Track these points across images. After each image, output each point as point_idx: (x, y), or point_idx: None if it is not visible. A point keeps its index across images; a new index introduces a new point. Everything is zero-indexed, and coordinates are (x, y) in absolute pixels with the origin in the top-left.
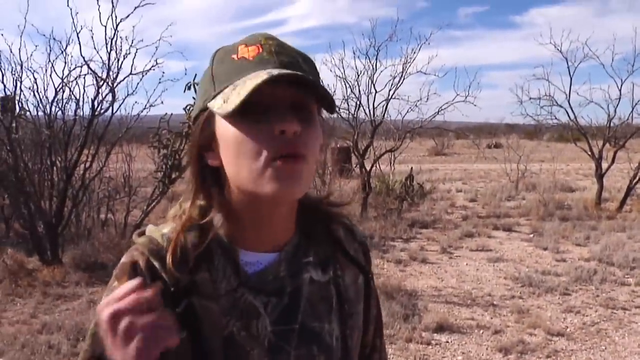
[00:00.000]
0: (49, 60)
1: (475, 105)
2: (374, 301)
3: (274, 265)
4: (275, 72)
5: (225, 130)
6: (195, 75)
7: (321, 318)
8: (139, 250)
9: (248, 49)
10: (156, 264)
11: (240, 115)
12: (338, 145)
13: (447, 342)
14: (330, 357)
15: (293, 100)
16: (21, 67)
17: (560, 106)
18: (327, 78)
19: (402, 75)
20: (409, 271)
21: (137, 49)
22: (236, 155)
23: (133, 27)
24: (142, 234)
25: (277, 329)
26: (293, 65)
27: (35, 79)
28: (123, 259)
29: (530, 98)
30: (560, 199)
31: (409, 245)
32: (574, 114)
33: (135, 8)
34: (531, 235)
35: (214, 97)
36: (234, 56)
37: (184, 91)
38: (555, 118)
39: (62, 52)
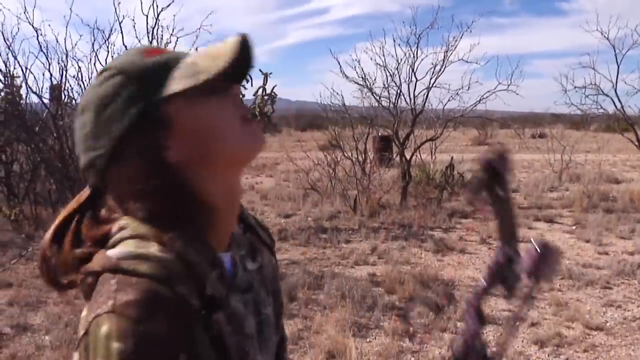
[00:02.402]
0: (93, 50)
1: (517, 94)
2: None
3: (239, 262)
4: (232, 41)
5: (197, 111)
6: None
7: (265, 302)
8: (155, 280)
9: (148, 51)
10: (181, 289)
11: (209, 92)
12: (379, 134)
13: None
14: (276, 336)
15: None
16: (66, 57)
17: (607, 95)
18: (368, 66)
19: (443, 64)
20: (447, 261)
21: (177, 38)
22: (217, 129)
23: (174, 16)
24: (129, 258)
25: (256, 322)
26: None
27: (79, 67)
28: (130, 296)
29: (575, 87)
30: (605, 190)
31: (447, 235)
32: (620, 103)
33: None
34: (573, 227)
35: (160, 88)
36: (145, 57)
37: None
38: (601, 108)
39: (105, 42)
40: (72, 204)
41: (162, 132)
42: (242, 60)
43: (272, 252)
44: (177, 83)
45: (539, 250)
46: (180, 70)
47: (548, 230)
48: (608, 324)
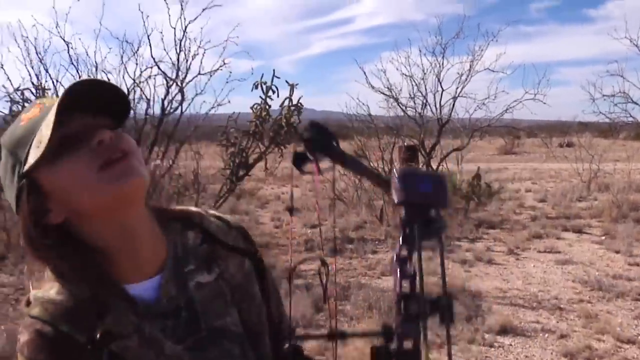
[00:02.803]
0: (122, 62)
1: (544, 103)
2: (269, 275)
3: (163, 288)
4: (60, 97)
5: (53, 175)
6: (263, 74)
7: (221, 314)
8: (39, 322)
9: (29, 112)
10: (64, 327)
11: (60, 154)
12: (404, 144)
13: (511, 345)
14: (242, 343)
15: (97, 123)
16: (96, 69)
17: (636, 103)
18: (394, 76)
19: (469, 73)
20: (474, 272)
21: (205, 50)
22: (72, 187)
23: (201, 28)
24: (29, 303)
25: (187, 344)
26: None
27: (109, 80)
28: (24, 337)
29: (604, 95)
30: (635, 200)
31: (474, 246)
32: None
33: (204, 10)
34: (603, 238)
35: (25, 160)
36: (22, 123)
37: (251, 90)
38: (631, 116)
39: (134, 54)
40: None
41: (40, 198)
42: (77, 116)
43: (249, 255)
44: (32, 154)
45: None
46: (36, 138)
47: (577, 240)
48: None
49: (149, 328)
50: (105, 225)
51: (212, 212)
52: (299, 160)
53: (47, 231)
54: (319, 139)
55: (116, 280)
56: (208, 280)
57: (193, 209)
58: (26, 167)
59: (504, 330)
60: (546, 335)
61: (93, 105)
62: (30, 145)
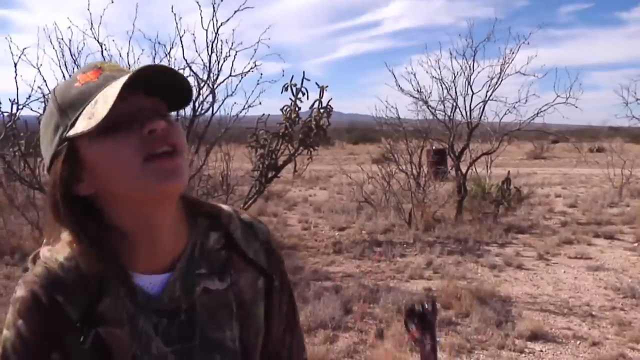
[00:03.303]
0: (154, 63)
1: (576, 107)
2: (286, 298)
3: (169, 286)
4: (125, 77)
5: (96, 151)
6: (293, 76)
7: (222, 326)
8: (37, 283)
9: (87, 74)
10: (59, 297)
11: (109, 130)
12: (433, 147)
13: (541, 351)
14: None
15: (153, 107)
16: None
17: None
18: (424, 79)
19: (500, 77)
20: (504, 277)
21: (236, 52)
22: (113, 168)
23: (233, 30)
24: (35, 259)
25: (176, 348)
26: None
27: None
28: (20, 292)
29: (637, 99)
30: None
31: (504, 251)
32: None
33: (235, 12)
34: (635, 244)
35: (72, 125)
36: (77, 84)
37: (281, 92)
38: None
39: (166, 55)
40: None
41: (75, 166)
42: (139, 98)
43: (264, 274)
44: (79, 123)
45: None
46: (87, 108)
47: (609, 247)
48: None
49: (142, 321)
50: (130, 212)
51: (245, 215)
52: (410, 322)
53: (73, 198)
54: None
55: (124, 265)
56: (217, 287)
57: (225, 207)
58: (71, 132)
59: (535, 336)
60: (578, 342)
61: (156, 89)
62: (81, 112)
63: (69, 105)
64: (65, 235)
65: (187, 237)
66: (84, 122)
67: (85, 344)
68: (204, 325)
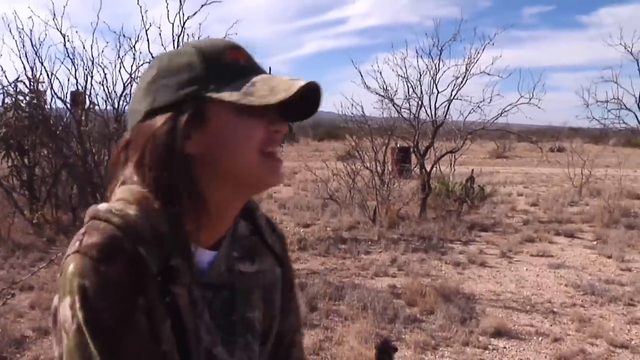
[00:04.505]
0: (119, 56)
1: (539, 108)
2: (294, 294)
3: (217, 263)
4: (303, 82)
5: (229, 122)
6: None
7: (253, 307)
8: (117, 230)
9: (237, 51)
10: (140, 248)
11: (244, 112)
12: (398, 145)
13: (505, 347)
14: (258, 344)
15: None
16: (92, 63)
17: (630, 110)
18: (389, 77)
19: (465, 76)
20: (467, 274)
21: None
22: (238, 143)
23: (199, 24)
24: (95, 215)
25: (220, 322)
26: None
27: (105, 74)
28: (94, 239)
29: (597, 101)
30: (626, 206)
31: (467, 248)
32: None
33: (202, 6)
34: (594, 243)
35: (217, 90)
36: (227, 56)
37: None
38: (624, 122)
39: (131, 49)
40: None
41: (193, 124)
42: (298, 104)
43: (281, 261)
44: (230, 94)
45: None
46: (242, 82)
47: (569, 245)
48: (633, 342)
49: (196, 290)
50: (225, 187)
51: (266, 214)
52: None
53: (172, 151)
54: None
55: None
56: (249, 270)
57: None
58: (217, 95)
59: (498, 333)
60: (540, 338)
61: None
62: (228, 83)
63: (217, 71)
64: (130, 193)
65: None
66: (236, 96)
67: (166, 298)
68: (241, 304)
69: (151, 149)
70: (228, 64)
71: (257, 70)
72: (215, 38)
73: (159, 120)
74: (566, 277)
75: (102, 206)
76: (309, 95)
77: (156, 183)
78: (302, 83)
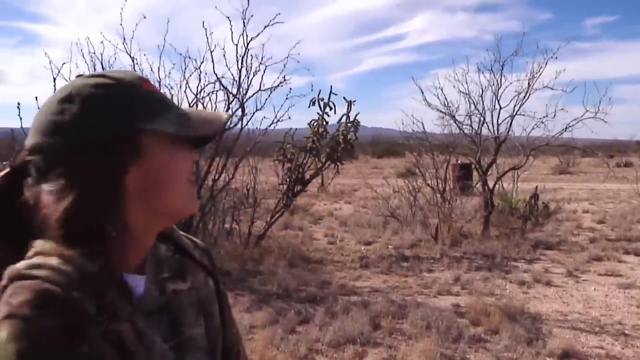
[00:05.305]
0: (184, 77)
1: (605, 122)
2: (227, 305)
3: (149, 286)
4: (226, 115)
5: (165, 153)
6: (320, 91)
7: (193, 324)
8: (45, 282)
9: (149, 83)
10: (74, 293)
11: (176, 143)
12: (459, 162)
13: None
14: (209, 358)
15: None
16: (159, 84)
17: None
18: (450, 93)
19: (527, 91)
20: (533, 293)
21: (266, 66)
22: (172, 177)
23: (262, 45)
24: (28, 267)
25: (171, 344)
26: None
27: (171, 95)
28: (24, 296)
29: None
30: None
31: (532, 267)
32: None
33: (265, 27)
34: None
35: (148, 120)
36: (143, 88)
37: (309, 106)
38: None
39: (196, 70)
40: None
41: (129, 157)
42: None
43: (213, 274)
44: (162, 123)
45: None
46: (170, 114)
47: (639, 264)
48: None
49: (140, 320)
50: (151, 217)
51: (178, 231)
52: None
53: (110, 187)
54: None
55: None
56: (183, 288)
57: None
58: (153, 126)
59: (566, 355)
60: None
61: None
62: (157, 113)
63: (143, 101)
64: (48, 245)
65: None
66: (170, 126)
67: (108, 338)
68: (183, 323)
69: (85, 187)
70: (147, 96)
71: (171, 102)
72: (117, 70)
73: (92, 159)
74: (637, 298)
75: (20, 265)
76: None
77: (81, 225)
78: (226, 116)
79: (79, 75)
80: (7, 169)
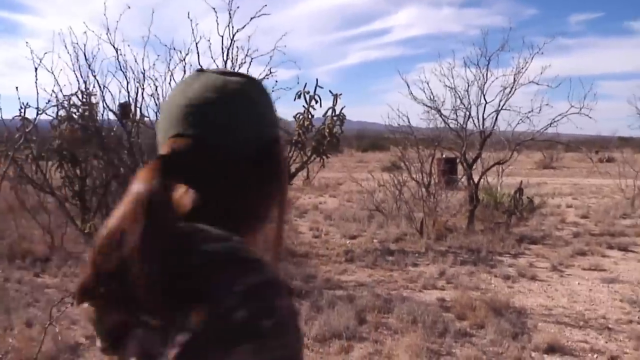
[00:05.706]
0: (169, 69)
1: (590, 118)
2: None
3: None
4: None
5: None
6: (306, 84)
7: None
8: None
9: None
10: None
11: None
12: (444, 156)
13: None
14: None
15: None
16: (144, 76)
17: None
18: (436, 87)
19: (513, 86)
20: (517, 288)
21: (252, 58)
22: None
23: (248, 37)
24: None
25: None
26: None
27: (156, 86)
28: (288, 300)
29: None
30: None
31: (517, 261)
32: None
33: (252, 19)
34: None
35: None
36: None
37: (294, 99)
38: None
39: (181, 61)
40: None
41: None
42: None
43: None
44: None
45: None
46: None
47: (622, 259)
48: None
49: None
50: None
51: None
52: None
53: (277, 187)
54: None
55: None
56: None
57: None
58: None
59: (552, 349)
60: (595, 355)
61: None
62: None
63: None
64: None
65: None
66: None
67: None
68: None
69: (264, 183)
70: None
71: None
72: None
73: (279, 150)
74: (621, 292)
75: (240, 243)
76: None
77: (256, 215)
78: None
79: (213, 71)
80: (153, 166)
